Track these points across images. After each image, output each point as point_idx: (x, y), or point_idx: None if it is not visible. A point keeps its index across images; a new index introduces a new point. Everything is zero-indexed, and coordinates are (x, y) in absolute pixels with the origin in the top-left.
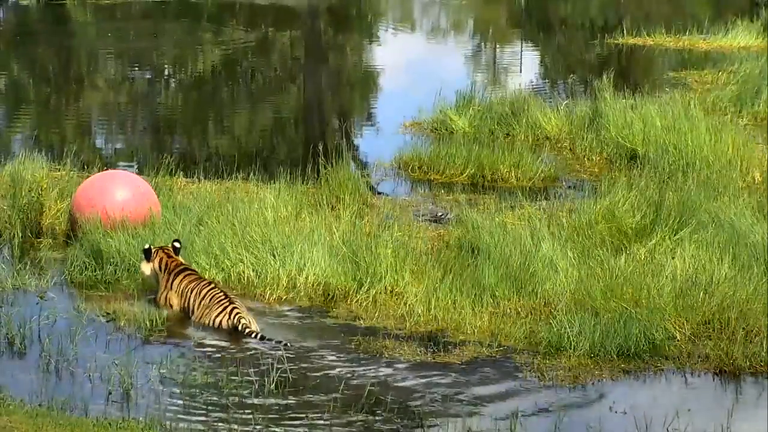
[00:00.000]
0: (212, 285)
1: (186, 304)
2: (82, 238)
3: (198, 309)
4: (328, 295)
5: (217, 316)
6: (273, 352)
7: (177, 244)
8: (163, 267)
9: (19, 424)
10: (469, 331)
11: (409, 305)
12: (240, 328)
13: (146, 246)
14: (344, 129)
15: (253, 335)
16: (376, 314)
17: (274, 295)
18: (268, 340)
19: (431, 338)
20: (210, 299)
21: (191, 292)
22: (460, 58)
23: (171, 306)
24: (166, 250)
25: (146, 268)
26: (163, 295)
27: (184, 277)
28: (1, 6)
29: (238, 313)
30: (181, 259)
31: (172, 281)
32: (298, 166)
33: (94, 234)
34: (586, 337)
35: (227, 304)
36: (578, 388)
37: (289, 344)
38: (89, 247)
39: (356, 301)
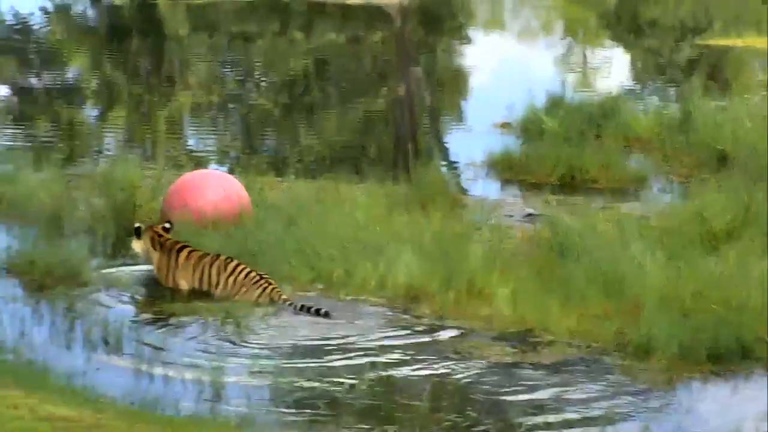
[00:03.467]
0: (237, 261)
1: (205, 279)
2: (174, 237)
3: (229, 287)
4: (416, 294)
5: (258, 297)
6: (365, 351)
7: (167, 225)
8: (157, 246)
9: (111, 422)
10: (557, 332)
11: (497, 305)
12: (279, 302)
13: (136, 225)
14: (435, 129)
15: (294, 306)
16: (464, 314)
17: (363, 295)
18: (315, 311)
19: (520, 338)
20: (244, 277)
21: (211, 267)
22: (550, 58)
23: (178, 284)
24: (155, 228)
25: (136, 245)
26: (167, 275)
27: (190, 253)
28: (96, 5)
29: (278, 292)
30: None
31: (176, 259)
32: (388, 166)
33: (185, 233)
34: (676, 339)
35: (265, 283)
36: (668, 389)
37: (329, 313)
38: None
39: (444, 301)
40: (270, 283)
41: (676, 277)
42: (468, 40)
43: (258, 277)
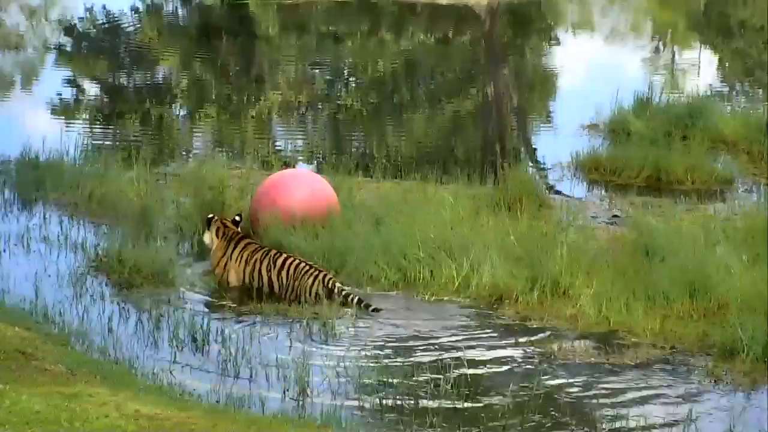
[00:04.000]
0: (286, 255)
1: (255, 275)
2: (262, 236)
3: (283, 281)
4: (500, 295)
5: (311, 285)
6: (450, 353)
7: (237, 218)
8: (220, 235)
9: (197, 420)
10: (641, 333)
11: (581, 306)
12: (336, 291)
13: (209, 216)
14: (522, 130)
15: (350, 298)
16: (548, 314)
17: (448, 295)
18: (365, 305)
19: (604, 339)
20: (294, 270)
21: (261, 264)
22: (638, 60)
23: (228, 275)
24: (223, 220)
25: (206, 236)
26: (221, 261)
27: (247, 245)
28: (186, 5)
29: (330, 278)
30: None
31: (232, 251)
32: (476, 167)
33: (274, 232)
34: (760, 341)
35: (315, 271)
36: (752, 392)
37: (382, 310)
38: (269, 245)
39: (528, 302)
40: (320, 271)
41: (761, 278)
42: (556, 41)
43: (308, 267)
